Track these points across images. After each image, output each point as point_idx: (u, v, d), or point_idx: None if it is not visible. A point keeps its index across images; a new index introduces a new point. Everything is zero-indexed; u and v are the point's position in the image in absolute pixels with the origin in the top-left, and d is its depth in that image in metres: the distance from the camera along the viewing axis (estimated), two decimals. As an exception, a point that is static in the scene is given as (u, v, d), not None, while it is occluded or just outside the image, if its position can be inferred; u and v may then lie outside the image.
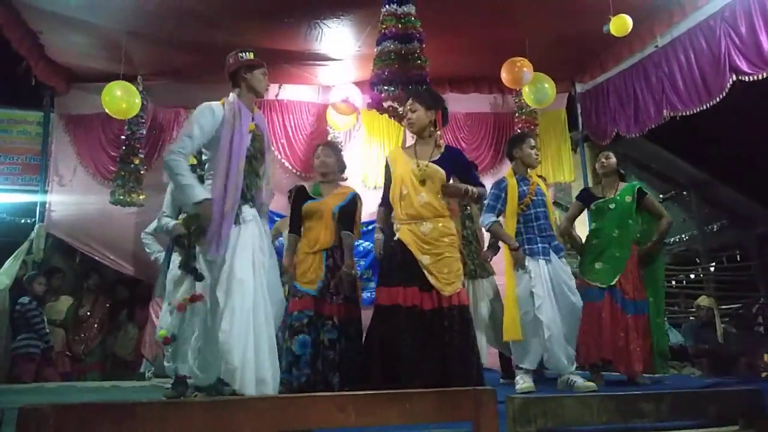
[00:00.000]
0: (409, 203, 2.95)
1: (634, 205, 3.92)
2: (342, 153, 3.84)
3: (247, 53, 2.78)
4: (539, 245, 3.43)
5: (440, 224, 2.94)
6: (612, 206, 3.90)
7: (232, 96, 2.72)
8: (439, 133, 3.15)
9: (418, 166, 2.97)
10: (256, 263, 2.54)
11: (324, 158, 3.63)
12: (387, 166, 3.17)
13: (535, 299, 3.31)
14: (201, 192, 2.51)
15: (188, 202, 2.51)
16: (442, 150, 3.06)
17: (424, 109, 3.05)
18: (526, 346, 3.37)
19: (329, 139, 6.50)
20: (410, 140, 3.42)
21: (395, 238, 2.95)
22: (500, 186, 3.60)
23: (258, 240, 2.62)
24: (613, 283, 3.78)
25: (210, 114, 2.63)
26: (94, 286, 6.23)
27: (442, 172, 2.97)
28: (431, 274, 2.87)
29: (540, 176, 4.15)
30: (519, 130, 6.58)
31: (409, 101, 3.11)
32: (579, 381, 3.27)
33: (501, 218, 3.54)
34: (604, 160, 4.07)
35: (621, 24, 4.76)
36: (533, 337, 3.33)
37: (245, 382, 2.32)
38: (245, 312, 2.41)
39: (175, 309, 3.24)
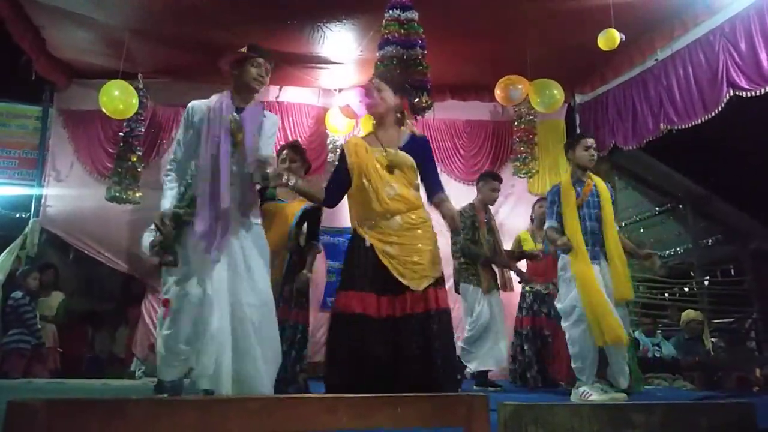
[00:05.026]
0: (375, 199, 2.56)
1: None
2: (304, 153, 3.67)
3: (242, 49, 2.66)
4: (588, 248, 3.32)
5: (413, 216, 2.60)
6: None
7: (225, 92, 2.65)
8: (409, 122, 2.90)
9: (385, 152, 2.62)
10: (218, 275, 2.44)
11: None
12: (342, 156, 2.73)
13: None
14: (163, 204, 2.51)
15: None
16: (408, 134, 2.74)
17: (392, 92, 2.75)
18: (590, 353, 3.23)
19: (328, 142, 6.52)
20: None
21: (366, 245, 2.57)
22: (553, 190, 3.57)
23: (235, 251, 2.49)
24: None
25: (188, 114, 2.61)
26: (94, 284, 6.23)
27: (412, 159, 2.65)
28: (397, 264, 2.51)
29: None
30: (517, 139, 6.61)
31: (376, 81, 2.81)
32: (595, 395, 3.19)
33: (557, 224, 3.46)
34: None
35: (609, 38, 4.80)
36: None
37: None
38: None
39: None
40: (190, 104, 2.65)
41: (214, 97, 2.63)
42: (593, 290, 3.19)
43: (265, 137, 2.64)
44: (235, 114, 2.57)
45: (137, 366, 5.72)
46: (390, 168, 2.60)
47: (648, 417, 1.31)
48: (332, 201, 2.78)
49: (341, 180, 2.69)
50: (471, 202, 4.53)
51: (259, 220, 2.66)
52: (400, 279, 2.49)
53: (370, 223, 2.59)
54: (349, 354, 2.47)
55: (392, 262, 2.52)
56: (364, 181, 2.59)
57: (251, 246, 2.53)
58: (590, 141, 3.56)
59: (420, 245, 2.56)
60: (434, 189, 2.67)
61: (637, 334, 5.62)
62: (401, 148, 2.66)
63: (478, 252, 4.33)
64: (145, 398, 1.33)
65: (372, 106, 2.76)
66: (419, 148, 2.69)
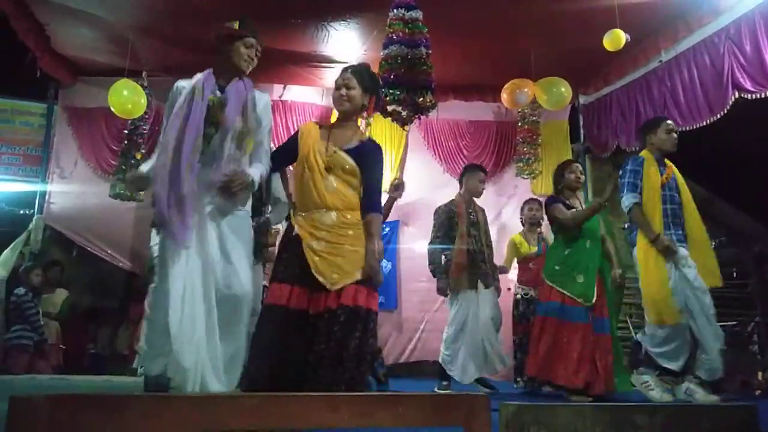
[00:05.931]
0: (313, 189, 2.49)
1: (601, 218, 3.87)
2: None
3: (234, 23, 2.51)
4: (672, 232, 3.18)
5: (348, 215, 2.50)
6: None
7: (208, 71, 2.50)
8: (367, 120, 2.77)
9: (326, 150, 2.54)
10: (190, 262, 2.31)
11: None
12: (295, 135, 2.70)
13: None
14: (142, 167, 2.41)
15: None
16: (362, 139, 2.61)
17: (361, 90, 2.63)
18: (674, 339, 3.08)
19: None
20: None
21: (293, 234, 2.53)
22: (637, 161, 3.31)
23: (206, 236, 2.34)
24: (594, 302, 3.65)
25: (175, 93, 2.46)
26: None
27: (352, 164, 2.52)
28: (319, 261, 2.43)
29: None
30: (520, 140, 6.60)
31: (348, 74, 2.66)
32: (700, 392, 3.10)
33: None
34: (579, 174, 4.01)
35: (615, 38, 4.79)
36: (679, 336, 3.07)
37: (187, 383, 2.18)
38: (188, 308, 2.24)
39: None
40: (176, 83, 2.50)
41: (198, 76, 2.49)
42: (655, 272, 3.09)
43: (262, 125, 2.54)
44: (217, 92, 2.45)
45: (139, 363, 5.73)
46: (328, 167, 2.52)
47: (651, 419, 1.31)
48: (273, 165, 2.71)
49: (288, 151, 2.68)
50: (453, 198, 4.40)
51: (246, 207, 2.53)
52: (317, 276, 2.42)
53: (306, 212, 2.53)
54: (266, 345, 2.41)
55: (314, 258, 2.44)
56: (306, 170, 2.53)
57: (230, 232, 2.41)
58: (672, 123, 3.40)
59: (347, 246, 2.47)
60: (367, 206, 2.55)
61: (639, 336, 5.60)
62: (348, 151, 2.55)
63: (435, 259, 4.21)
64: (147, 394, 1.34)
65: (336, 103, 2.66)
66: (365, 155, 2.57)
